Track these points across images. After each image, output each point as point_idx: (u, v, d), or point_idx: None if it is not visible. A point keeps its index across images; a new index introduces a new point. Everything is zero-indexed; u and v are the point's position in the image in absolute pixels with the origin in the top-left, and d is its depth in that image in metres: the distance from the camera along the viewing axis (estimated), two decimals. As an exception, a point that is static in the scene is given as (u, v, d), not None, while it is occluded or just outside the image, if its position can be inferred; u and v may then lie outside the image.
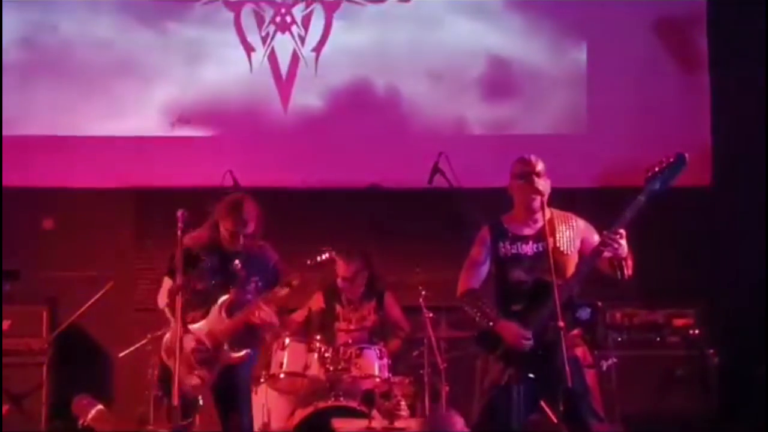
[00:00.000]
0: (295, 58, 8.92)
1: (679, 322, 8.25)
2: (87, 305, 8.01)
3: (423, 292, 7.46)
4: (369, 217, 8.83)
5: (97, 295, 8.04)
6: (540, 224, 5.90)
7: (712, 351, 8.16)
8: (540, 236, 5.86)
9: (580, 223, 6.00)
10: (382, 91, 8.98)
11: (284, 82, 8.91)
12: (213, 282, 6.36)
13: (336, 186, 8.85)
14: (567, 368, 5.38)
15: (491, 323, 5.81)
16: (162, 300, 6.49)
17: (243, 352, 6.36)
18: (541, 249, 5.86)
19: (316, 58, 8.91)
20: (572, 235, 5.90)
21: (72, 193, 8.71)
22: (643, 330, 8.23)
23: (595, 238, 5.91)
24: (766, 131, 8.62)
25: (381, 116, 8.99)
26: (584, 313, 5.86)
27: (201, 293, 6.26)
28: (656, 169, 5.67)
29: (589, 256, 5.79)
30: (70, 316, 8.11)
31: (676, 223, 8.68)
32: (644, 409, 7.91)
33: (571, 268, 5.79)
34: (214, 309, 6.37)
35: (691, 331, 8.23)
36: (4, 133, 8.66)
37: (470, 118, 9.05)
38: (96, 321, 8.34)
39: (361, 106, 8.98)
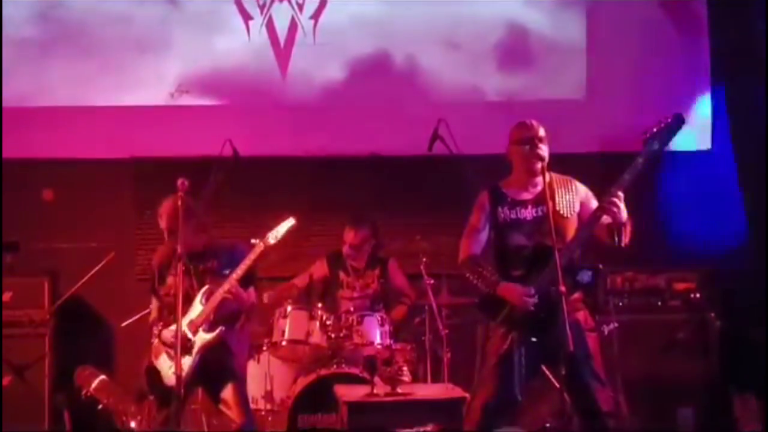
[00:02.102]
0: (293, 26, 8.85)
1: (679, 286, 8.23)
2: (88, 276, 8.02)
3: (424, 260, 7.49)
4: (370, 185, 8.83)
5: (98, 266, 8.04)
6: (539, 188, 5.89)
7: (712, 314, 8.16)
8: (539, 200, 5.85)
9: (580, 187, 5.98)
10: (381, 58, 8.92)
11: (282, 51, 8.86)
12: (188, 282, 6.29)
13: (336, 154, 8.82)
14: (568, 332, 5.33)
15: (493, 288, 5.80)
16: (151, 316, 6.63)
17: (215, 332, 6.31)
18: (540, 213, 5.85)
19: (314, 26, 8.85)
20: (571, 198, 5.87)
21: (72, 164, 8.69)
22: (644, 294, 8.21)
23: (594, 203, 5.90)
24: (766, 95, 8.57)
25: (380, 83, 8.92)
26: (585, 276, 5.75)
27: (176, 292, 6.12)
28: (654, 130, 5.64)
29: (588, 221, 5.76)
30: (71, 287, 8.12)
31: (677, 187, 8.71)
32: (645, 373, 7.91)
33: (571, 232, 5.78)
34: (195, 301, 6.37)
35: (691, 295, 8.21)
36: (3, 104, 8.61)
37: (469, 84, 8.98)
38: (97, 292, 8.31)
39: (359, 73, 8.91)
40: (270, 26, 8.85)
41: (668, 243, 8.73)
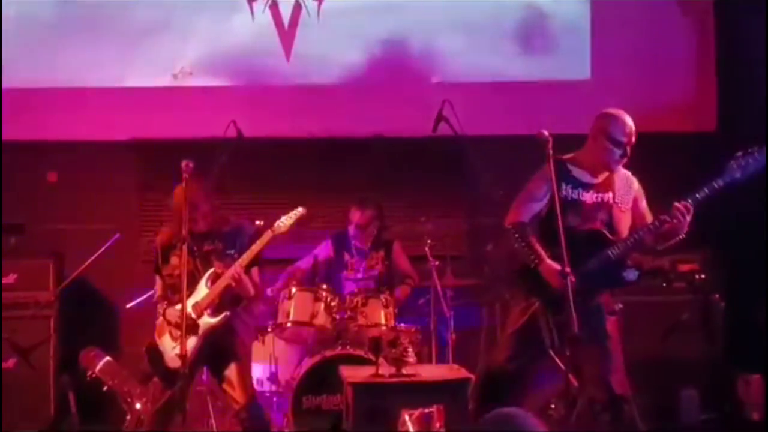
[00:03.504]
0: (297, 7, 8.84)
1: (684, 267, 8.22)
2: (93, 258, 7.99)
3: (428, 242, 7.50)
4: (374, 166, 8.81)
5: (103, 248, 8.01)
6: (604, 176, 5.95)
7: (716, 296, 8.16)
8: (601, 188, 5.92)
9: (635, 185, 6.05)
10: (384, 40, 8.90)
11: (287, 32, 8.84)
12: (192, 263, 6.29)
13: (340, 135, 8.81)
14: (574, 314, 5.31)
15: (539, 261, 5.80)
16: (156, 294, 6.65)
17: (220, 317, 6.33)
18: (600, 200, 5.91)
19: (319, 7, 8.83)
20: (629, 193, 5.95)
21: (76, 146, 8.70)
22: (648, 275, 7.97)
23: (643, 202, 6.04)
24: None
25: (384, 64, 8.91)
26: (632, 275, 5.88)
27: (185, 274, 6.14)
28: (741, 159, 5.80)
29: (653, 224, 5.84)
30: (76, 268, 8.08)
31: (682, 169, 8.53)
32: (650, 354, 7.91)
33: (623, 225, 5.85)
34: (201, 283, 6.36)
35: (696, 277, 8.20)
36: (7, 86, 8.60)
37: (473, 65, 8.93)
38: (102, 273, 8.32)
39: (363, 55, 8.89)
40: (274, 7, 8.83)
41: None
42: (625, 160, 5.86)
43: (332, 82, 8.88)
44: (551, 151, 5.75)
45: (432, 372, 6.64)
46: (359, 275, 7.87)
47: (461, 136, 7.81)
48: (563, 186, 5.86)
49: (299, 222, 6.48)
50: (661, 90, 8.82)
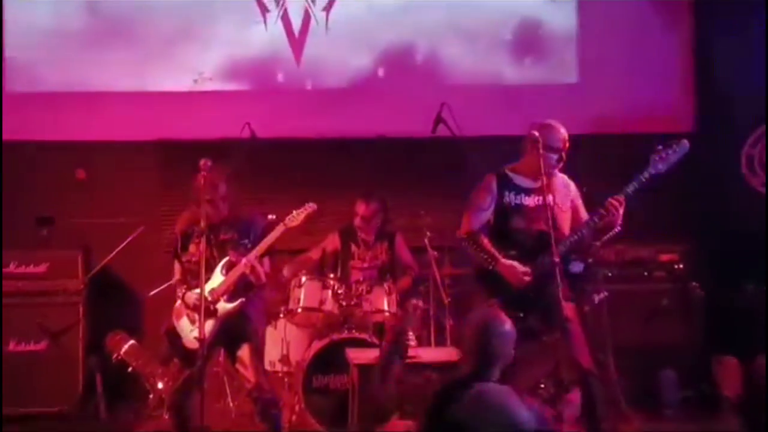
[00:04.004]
0: (306, 17, 8.90)
1: (665, 257, 8.34)
2: (118, 249, 8.15)
3: (428, 234, 7.58)
4: (378, 164, 8.87)
5: (128, 240, 8.16)
6: (543, 181, 6.05)
7: (695, 284, 8.28)
8: (542, 191, 6.02)
9: (572, 186, 6.25)
10: (388, 47, 8.96)
11: (297, 40, 8.90)
12: (209, 251, 6.37)
13: (346, 136, 8.87)
14: (562, 300, 5.70)
15: (494, 263, 6.02)
16: (174, 278, 6.69)
17: (236, 303, 6.43)
18: (541, 203, 6.04)
19: (327, 17, 8.89)
20: (568, 194, 6.13)
21: (103, 145, 8.74)
22: (631, 265, 8.33)
23: (580, 201, 6.22)
24: (746, 81, 8.67)
25: (387, 70, 8.98)
26: (577, 267, 6.07)
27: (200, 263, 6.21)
28: (662, 152, 5.96)
29: (592, 218, 6.02)
30: (102, 259, 8.22)
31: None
32: (632, 338, 8.02)
33: (563, 223, 6.02)
34: (216, 271, 6.44)
35: (676, 266, 8.33)
36: (42, 89, 8.70)
37: (469, 70, 9.02)
38: (127, 263, 8.41)
39: (368, 61, 8.98)
40: (285, 17, 8.88)
41: (654, 218, 8.61)
42: (561, 164, 6.01)
43: (339, 86, 8.94)
44: (542, 150, 6.02)
45: (431, 354, 6.77)
46: (365, 265, 7.89)
47: (458, 137, 7.98)
48: (506, 193, 6.14)
49: (310, 216, 6.60)
50: (642, 93, 8.83)
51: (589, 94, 8.92)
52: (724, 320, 8.19)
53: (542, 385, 7.81)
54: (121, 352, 7.88)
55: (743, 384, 7.85)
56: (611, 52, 9.01)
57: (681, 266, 8.34)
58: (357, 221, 7.97)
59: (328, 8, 8.91)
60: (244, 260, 6.37)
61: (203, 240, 6.12)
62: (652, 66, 9.02)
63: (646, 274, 8.34)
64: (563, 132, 6.13)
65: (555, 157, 6.08)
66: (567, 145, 6.07)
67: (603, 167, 7.76)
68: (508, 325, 4.62)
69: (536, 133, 6.06)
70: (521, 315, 5.87)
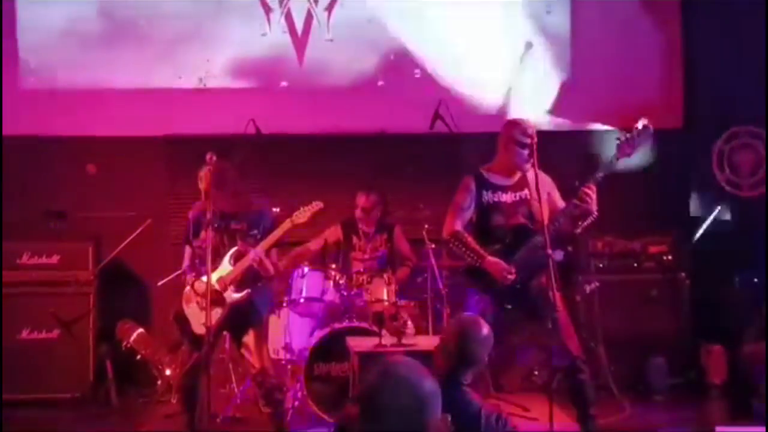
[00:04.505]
0: (309, 18, 8.91)
1: (654, 249, 8.39)
2: (127, 241, 8.18)
3: (426, 226, 7.60)
4: (378, 159, 8.88)
5: (137, 232, 8.20)
6: (518, 177, 6.24)
7: (683, 275, 8.35)
8: (517, 187, 6.21)
9: (547, 179, 6.29)
10: (387, 47, 8.97)
11: (299, 40, 8.91)
12: (219, 239, 6.43)
13: (348, 132, 8.89)
14: (555, 291, 5.78)
15: (480, 260, 6.12)
16: (184, 263, 6.70)
17: (243, 293, 6.48)
18: (518, 198, 6.21)
19: (328, 17, 8.91)
20: (543, 187, 6.13)
21: (113, 141, 8.73)
22: (621, 257, 8.38)
23: (556, 193, 6.28)
24: (733, 79, 8.68)
25: (387, 69, 9.00)
26: (557, 256, 6.04)
27: (211, 250, 6.21)
28: (627, 137, 5.97)
29: (567, 208, 6.08)
30: (112, 250, 8.25)
31: (653, 162, 8.77)
32: (622, 327, 8.11)
33: (542, 215, 6.03)
34: (225, 259, 6.49)
35: (664, 258, 8.38)
36: (54, 87, 8.72)
37: (465, 67, 9.01)
38: (136, 255, 8.43)
39: (369, 59, 8.98)
40: (288, 18, 8.89)
41: (644, 211, 8.80)
42: (532, 159, 6.03)
43: (340, 84, 8.94)
44: (535, 141, 6.10)
45: (429, 342, 6.62)
46: (366, 255, 7.95)
47: (455, 133, 8.04)
48: (484, 192, 6.24)
49: (316, 214, 6.62)
50: (632, 90, 8.82)
51: (581, 91, 8.96)
52: (710, 310, 8.24)
53: (536, 372, 7.96)
54: (131, 340, 7.98)
55: (728, 371, 7.97)
56: (602, 50, 9.03)
57: (670, 257, 8.38)
58: (358, 213, 8.02)
59: (329, 8, 8.91)
60: (252, 254, 6.41)
61: (210, 230, 6.14)
62: (642, 64, 9.07)
63: (636, 265, 8.38)
64: (531, 127, 6.19)
65: (525, 152, 6.13)
66: (535, 139, 6.09)
67: (593, 161, 7.80)
68: (486, 330, 4.68)
69: (509, 131, 6.22)
70: (509, 307, 6.05)
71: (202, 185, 6.46)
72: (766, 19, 8.30)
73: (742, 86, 8.57)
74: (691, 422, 7.29)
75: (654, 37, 9.12)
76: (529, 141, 6.10)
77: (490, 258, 6.12)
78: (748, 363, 7.50)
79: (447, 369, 4.55)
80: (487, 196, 6.28)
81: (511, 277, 6.05)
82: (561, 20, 9.11)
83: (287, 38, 8.94)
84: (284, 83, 8.97)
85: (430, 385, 3.21)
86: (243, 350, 6.61)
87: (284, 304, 7.67)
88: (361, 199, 7.99)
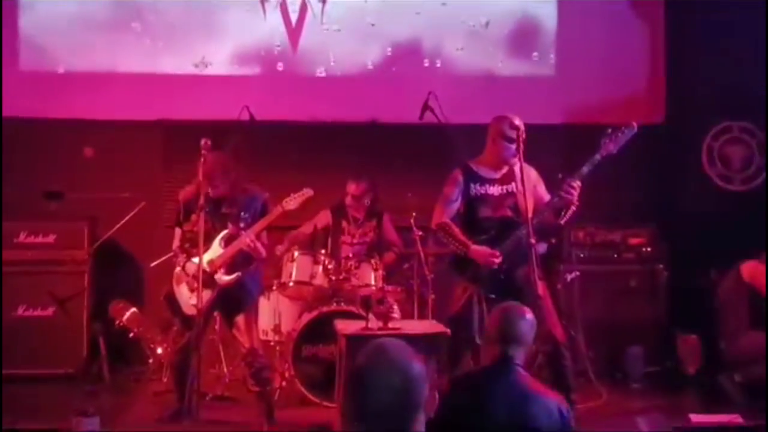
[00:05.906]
0: (303, 7, 8.86)
1: (633, 240, 8.39)
2: (122, 222, 8.17)
3: (414, 214, 7.52)
4: (368, 148, 8.85)
5: (131, 214, 8.18)
6: (505, 170, 6.25)
7: (661, 266, 8.35)
8: (504, 180, 6.23)
9: (533, 173, 6.31)
10: (380, 36, 8.93)
11: (294, 29, 8.87)
12: (209, 223, 6.39)
13: (340, 120, 8.86)
14: (537, 278, 5.73)
15: (465, 249, 6.14)
16: (174, 244, 6.67)
17: (233, 276, 6.49)
18: (505, 191, 6.23)
19: (323, 7, 8.85)
20: (529, 181, 6.13)
21: (110, 124, 8.70)
22: (602, 247, 8.37)
23: (541, 186, 6.29)
24: (715, 76, 8.67)
25: (379, 58, 8.96)
26: (541, 248, 6.09)
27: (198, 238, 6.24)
28: (612, 135, 5.99)
29: (550, 202, 6.10)
30: (107, 231, 8.25)
31: (633, 156, 8.59)
32: (601, 316, 8.11)
33: (528, 208, 5.99)
34: (215, 242, 6.48)
35: (644, 249, 8.37)
36: (53, 70, 8.70)
37: (454, 61, 8.99)
38: (130, 236, 8.44)
39: (361, 49, 8.94)
40: (283, 7, 8.85)
41: (625, 204, 8.81)
42: (519, 154, 6.05)
43: (333, 73, 8.92)
44: (523, 136, 6.11)
45: (414, 326, 6.75)
46: (355, 240, 7.93)
47: (444, 124, 7.96)
48: (471, 185, 6.26)
49: (306, 201, 6.62)
50: (615, 85, 8.83)
51: (567, 87, 8.93)
52: (687, 299, 8.22)
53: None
54: (123, 319, 7.93)
55: (703, 360, 7.96)
56: (586, 45, 8.99)
57: (648, 249, 8.39)
58: (348, 200, 7.99)
59: (324, -1, 8.95)
60: (245, 237, 6.40)
61: (202, 215, 6.13)
62: (626, 60, 9.02)
63: (615, 255, 8.39)
64: (517, 122, 6.18)
65: (512, 146, 6.13)
66: (522, 133, 6.11)
67: (579, 155, 7.73)
68: (530, 314, 4.52)
69: (497, 126, 6.23)
70: (493, 296, 5.98)
71: (202, 169, 6.39)
72: (766, 19, 8.32)
73: (726, 81, 8.58)
74: (666, 409, 7.25)
75: (639, 32, 9.09)
76: (514, 135, 6.11)
77: (475, 246, 6.15)
78: (723, 353, 7.51)
79: (497, 353, 4.35)
80: (475, 188, 6.31)
81: (497, 260, 6.07)
82: (547, 14, 9.05)
83: (282, 27, 8.91)
84: (278, 70, 8.92)
85: (418, 366, 3.17)
86: (234, 331, 6.63)
87: (274, 288, 7.64)
88: (351, 187, 7.94)
